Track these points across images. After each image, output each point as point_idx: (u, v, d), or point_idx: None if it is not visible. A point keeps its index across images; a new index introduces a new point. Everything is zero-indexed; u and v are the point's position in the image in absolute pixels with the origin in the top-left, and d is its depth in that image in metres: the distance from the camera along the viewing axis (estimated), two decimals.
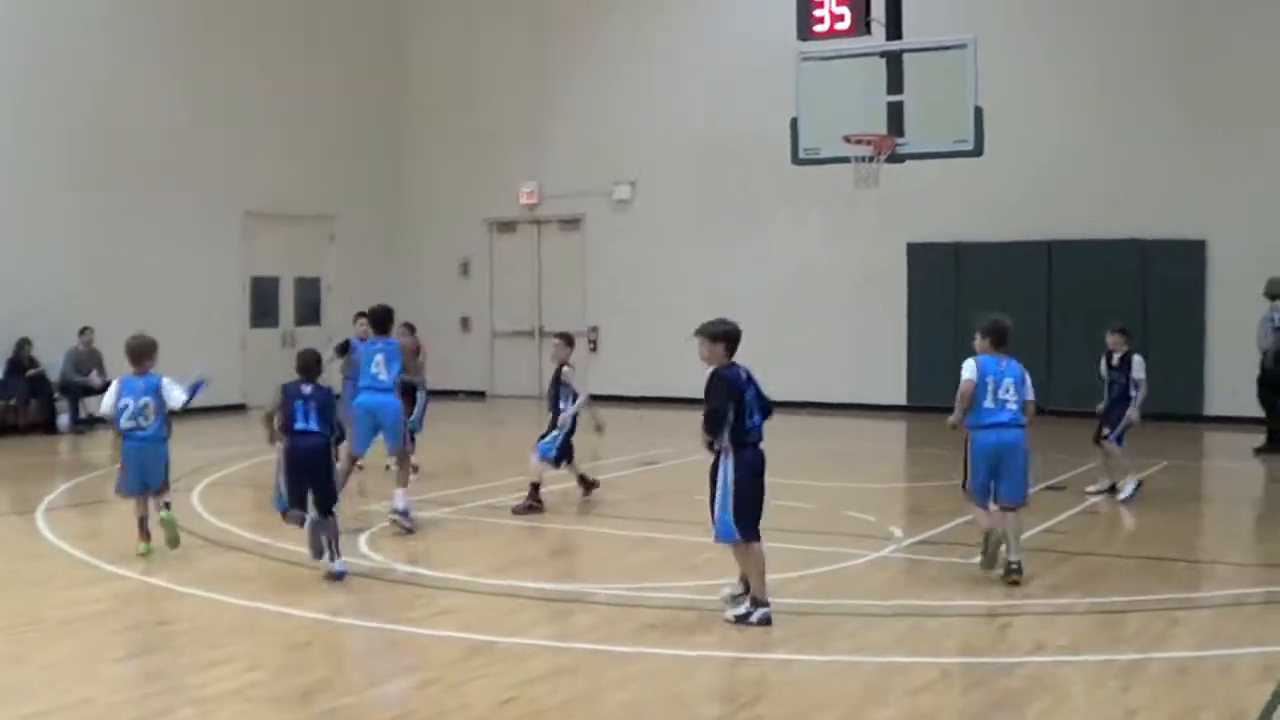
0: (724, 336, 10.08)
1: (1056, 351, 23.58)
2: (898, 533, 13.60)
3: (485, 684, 8.47)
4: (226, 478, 17.20)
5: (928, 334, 24.50)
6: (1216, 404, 23.14)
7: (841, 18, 18.16)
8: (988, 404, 11.26)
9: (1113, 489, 15.77)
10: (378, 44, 30.13)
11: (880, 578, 12.00)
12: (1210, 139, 23.33)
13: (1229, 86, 23.21)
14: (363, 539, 13.02)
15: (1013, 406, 11.27)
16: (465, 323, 29.85)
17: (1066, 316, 23.39)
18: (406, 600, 10.81)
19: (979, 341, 11.47)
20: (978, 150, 17.12)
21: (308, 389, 11.55)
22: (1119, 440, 15.80)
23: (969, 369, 11.31)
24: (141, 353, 12.53)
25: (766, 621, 9.84)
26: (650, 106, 27.70)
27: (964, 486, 11.61)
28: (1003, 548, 11.31)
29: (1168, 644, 9.45)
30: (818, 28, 18.35)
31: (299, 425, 11.44)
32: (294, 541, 12.79)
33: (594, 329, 28.32)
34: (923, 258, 25.21)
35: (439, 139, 30.03)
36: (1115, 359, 15.89)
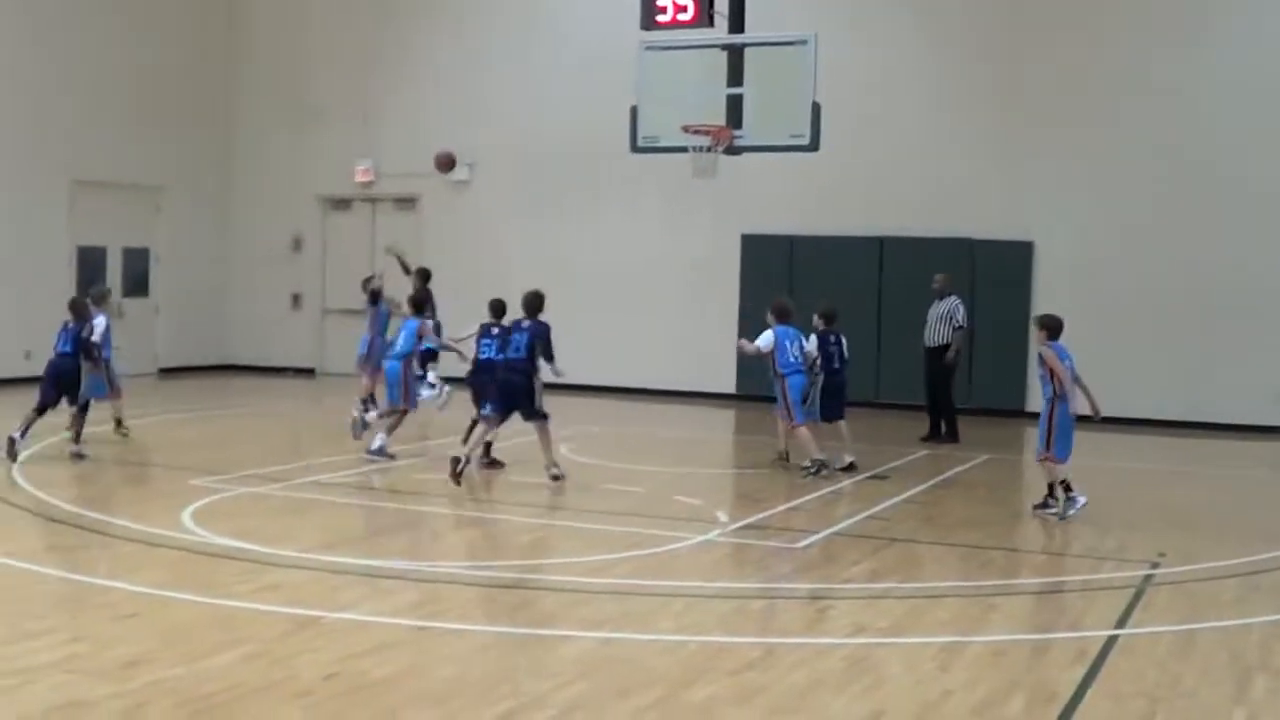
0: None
1: (886, 346, 24.01)
2: (723, 517, 13.80)
3: (311, 658, 8.49)
4: (50, 449, 16.89)
5: (759, 324, 24.72)
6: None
7: (685, 8, 18.27)
8: (791, 358, 16.58)
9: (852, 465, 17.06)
10: (213, 11, 29.64)
11: (705, 560, 12.20)
12: (1040, 142, 23.90)
13: (1059, 92, 23.79)
14: (187, 513, 12.92)
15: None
16: (296, 299, 29.56)
17: (896, 312, 23.80)
18: (233, 575, 10.74)
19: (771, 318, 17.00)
20: (814, 145, 17.32)
21: None
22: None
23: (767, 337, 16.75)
24: None
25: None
26: (491, 88, 27.61)
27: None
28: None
29: (985, 628, 9.76)
30: (661, 17, 18.45)
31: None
32: (120, 515, 12.72)
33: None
34: (756, 249, 25.50)
35: (274, 112, 29.69)
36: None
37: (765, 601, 10.64)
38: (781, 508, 14.47)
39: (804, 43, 17.18)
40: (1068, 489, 14.21)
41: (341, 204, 29.52)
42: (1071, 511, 14.07)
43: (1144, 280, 23.09)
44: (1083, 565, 12.10)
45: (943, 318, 20.34)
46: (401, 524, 13.59)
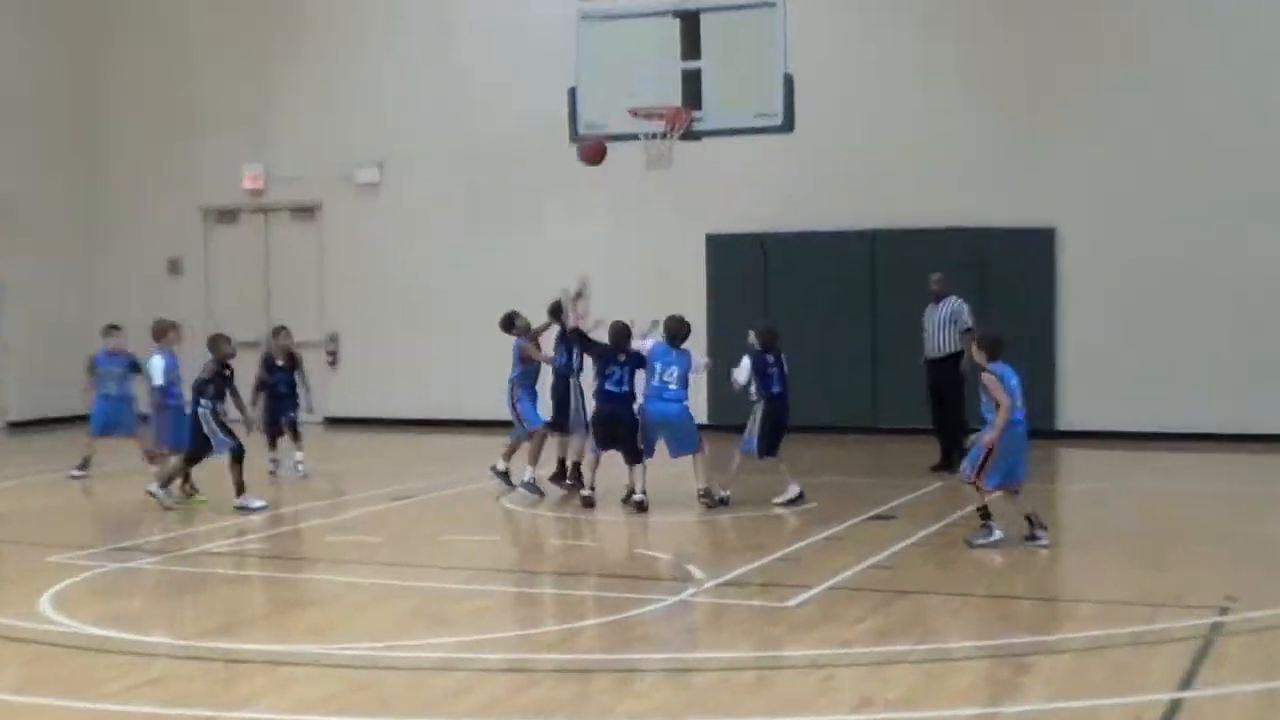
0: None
1: (883, 360, 23.79)
2: (699, 573, 13.62)
3: None
4: None
5: (731, 336, 24.48)
6: (1070, 417, 23.47)
7: None
8: (654, 383, 17.02)
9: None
10: (80, 8, 29.43)
11: (679, 626, 12.13)
12: (1060, 114, 23.86)
13: (1081, 58, 23.76)
14: (45, 598, 12.62)
15: (674, 386, 16.99)
16: (178, 330, 29.26)
17: (894, 320, 23.47)
18: (105, 671, 10.48)
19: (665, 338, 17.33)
20: (787, 126, 17.30)
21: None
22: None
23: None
24: None
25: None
26: (403, 76, 27.47)
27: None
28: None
29: (1017, 695, 9.61)
30: None
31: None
32: None
33: (333, 338, 27.99)
34: (723, 251, 25.34)
35: (146, 115, 29.46)
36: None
37: (754, 673, 10.45)
38: (768, 559, 14.29)
39: (771, 5, 17.10)
40: (986, 516, 14.66)
41: (228, 215, 29.31)
42: (980, 541, 14.61)
43: (1184, 271, 23.10)
44: (1134, 614, 11.93)
45: (945, 322, 20.14)
46: (311, 599, 13.38)
